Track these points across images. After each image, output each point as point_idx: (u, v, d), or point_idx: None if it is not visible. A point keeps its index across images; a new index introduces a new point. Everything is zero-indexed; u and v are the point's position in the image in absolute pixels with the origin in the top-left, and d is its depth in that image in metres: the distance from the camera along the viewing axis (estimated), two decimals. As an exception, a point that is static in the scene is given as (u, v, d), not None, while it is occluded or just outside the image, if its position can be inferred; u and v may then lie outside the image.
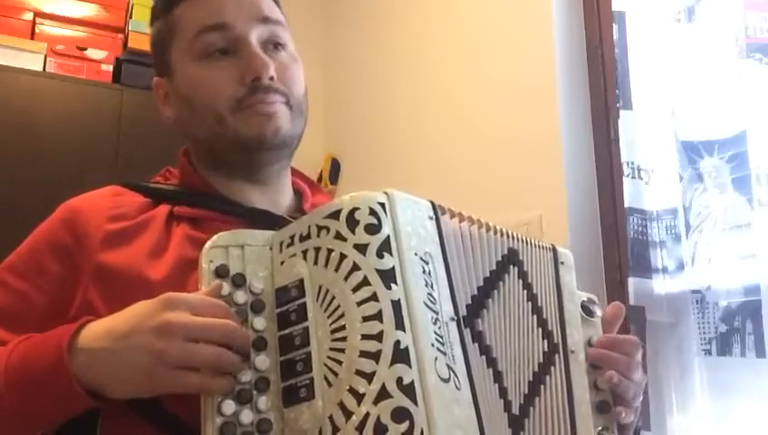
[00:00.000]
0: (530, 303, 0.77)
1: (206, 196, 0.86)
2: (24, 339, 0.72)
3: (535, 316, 0.77)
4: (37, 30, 2.35)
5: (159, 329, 0.61)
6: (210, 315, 0.63)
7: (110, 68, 2.38)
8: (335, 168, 2.64)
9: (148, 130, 2.28)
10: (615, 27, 1.67)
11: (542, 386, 0.73)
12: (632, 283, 1.54)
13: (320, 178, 2.60)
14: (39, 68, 2.28)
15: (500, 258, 0.76)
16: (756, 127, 1.39)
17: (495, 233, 0.77)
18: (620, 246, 1.63)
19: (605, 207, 1.69)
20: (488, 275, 0.73)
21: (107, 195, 0.85)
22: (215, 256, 0.67)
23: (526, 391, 0.71)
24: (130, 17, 2.39)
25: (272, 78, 0.83)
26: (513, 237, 0.78)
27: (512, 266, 0.77)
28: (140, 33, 2.36)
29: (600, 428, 0.76)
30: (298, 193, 0.95)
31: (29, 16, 2.35)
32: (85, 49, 2.38)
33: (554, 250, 0.84)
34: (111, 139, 2.28)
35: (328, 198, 0.97)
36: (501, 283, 0.74)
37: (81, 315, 0.74)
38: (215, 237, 0.69)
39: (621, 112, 1.63)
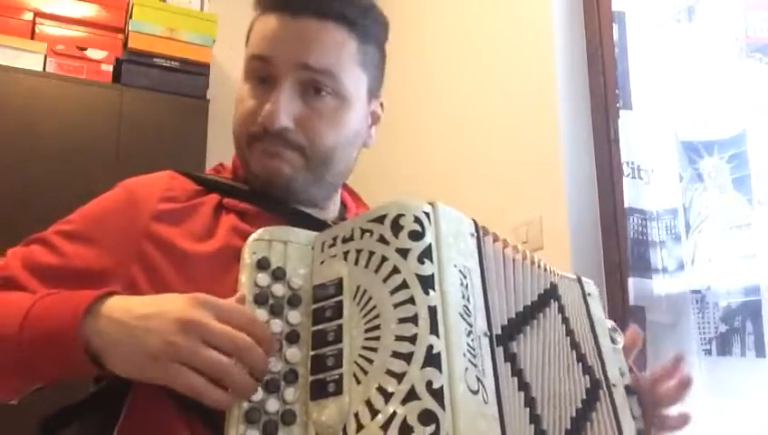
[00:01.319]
0: (568, 338, 0.77)
1: (257, 192, 0.87)
2: (54, 292, 0.73)
3: (575, 352, 0.77)
4: (37, 30, 2.35)
5: (179, 322, 0.62)
6: (235, 325, 0.63)
7: (110, 68, 2.38)
8: (335, 168, 2.64)
9: (149, 130, 2.28)
10: (615, 27, 1.67)
11: (588, 423, 0.73)
12: (632, 283, 1.54)
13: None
14: (39, 68, 2.28)
15: (542, 291, 0.76)
16: (756, 127, 1.39)
17: (539, 267, 0.78)
18: (620, 246, 1.63)
19: (605, 207, 1.69)
20: (529, 304, 0.74)
21: (162, 177, 0.88)
22: (258, 249, 0.68)
23: (568, 427, 0.70)
24: (130, 17, 2.39)
25: (284, 128, 0.82)
26: (551, 272, 0.80)
27: (552, 301, 0.77)
28: (140, 34, 2.36)
29: None
30: (343, 204, 0.96)
31: (29, 16, 2.35)
32: (85, 49, 2.38)
33: (580, 281, 0.84)
34: (111, 139, 2.28)
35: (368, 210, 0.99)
36: (541, 314, 0.75)
37: (121, 290, 0.75)
38: (260, 230, 0.70)
39: (621, 112, 1.63)
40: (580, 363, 0.76)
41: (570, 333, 0.77)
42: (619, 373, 0.81)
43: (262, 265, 0.68)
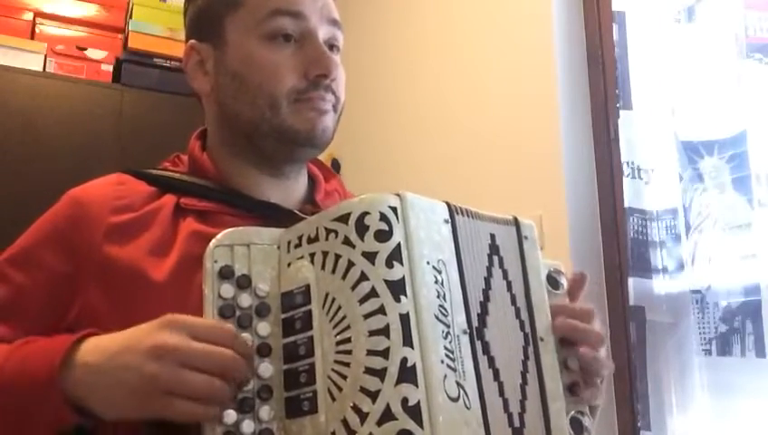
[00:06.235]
0: (509, 294, 0.70)
1: (215, 187, 0.83)
2: (24, 343, 0.70)
3: (513, 308, 0.70)
4: (37, 30, 2.35)
5: (154, 351, 0.59)
6: (212, 342, 0.60)
7: (110, 68, 2.38)
8: (335, 168, 2.65)
9: (149, 130, 2.28)
10: (615, 27, 1.67)
11: (527, 386, 0.67)
12: (632, 283, 1.54)
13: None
14: (39, 68, 2.28)
15: (488, 250, 0.70)
16: (756, 127, 1.39)
17: (483, 219, 0.72)
18: (620, 246, 1.63)
19: (605, 207, 1.69)
20: (485, 274, 0.69)
21: (111, 183, 0.83)
22: (219, 256, 0.65)
23: (521, 397, 0.66)
24: (130, 17, 2.39)
25: (333, 79, 0.82)
26: (486, 219, 0.73)
27: (495, 257, 0.70)
28: (140, 33, 2.36)
29: (573, 411, 0.69)
30: (311, 179, 0.92)
31: (29, 16, 2.35)
32: (85, 49, 2.38)
33: (517, 223, 0.75)
34: (111, 139, 2.27)
35: (340, 184, 0.95)
36: (491, 279, 0.69)
37: (81, 316, 0.72)
38: (220, 235, 0.67)
39: (621, 112, 1.63)
40: (518, 320, 0.69)
41: (509, 287, 0.70)
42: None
43: (224, 274, 0.64)
